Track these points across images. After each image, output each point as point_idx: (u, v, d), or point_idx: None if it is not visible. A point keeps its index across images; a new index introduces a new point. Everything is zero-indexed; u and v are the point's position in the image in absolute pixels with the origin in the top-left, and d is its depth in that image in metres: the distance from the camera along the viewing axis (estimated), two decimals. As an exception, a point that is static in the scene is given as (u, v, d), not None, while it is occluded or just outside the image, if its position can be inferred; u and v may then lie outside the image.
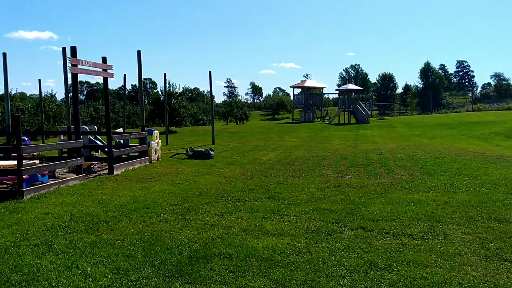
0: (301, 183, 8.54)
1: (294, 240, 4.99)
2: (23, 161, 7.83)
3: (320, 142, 18.60)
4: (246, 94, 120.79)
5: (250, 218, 5.99)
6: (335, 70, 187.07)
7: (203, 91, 77.12)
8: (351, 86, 46.80)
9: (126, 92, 25.69)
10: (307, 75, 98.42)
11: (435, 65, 75.56)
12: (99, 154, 12.97)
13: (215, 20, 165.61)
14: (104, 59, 10.59)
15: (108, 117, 11.09)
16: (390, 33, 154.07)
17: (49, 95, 33.04)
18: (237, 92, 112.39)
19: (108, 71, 10.66)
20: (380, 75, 74.49)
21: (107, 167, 10.53)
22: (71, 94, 10.64)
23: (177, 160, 12.75)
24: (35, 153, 10.08)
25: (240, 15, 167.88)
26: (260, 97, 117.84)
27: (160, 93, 31.90)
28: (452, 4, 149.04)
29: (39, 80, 20.20)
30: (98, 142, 12.71)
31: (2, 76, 13.07)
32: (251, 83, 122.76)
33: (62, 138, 13.22)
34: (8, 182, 8.56)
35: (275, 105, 64.86)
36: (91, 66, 10.02)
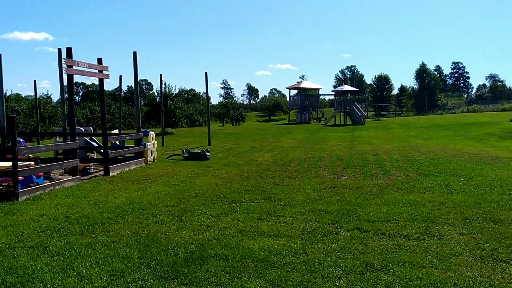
0: (297, 184, 8.55)
1: (290, 241, 4.99)
2: (18, 162, 7.80)
3: (316, 143, 18.62)
4: (242, 95, 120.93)
5: (246, 219, 5.99)
6: (331, 72, 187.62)
7: (199, 92, 77.05)
8: (347, 87, 46.91)
9: (122, 93, 25.64)
10: (303, 76, 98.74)
11: (431, 66, 75.75)
12: (95, 155, 12.93)
13: (212, 21, 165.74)
14: (99, 60, 10.56)
15: (104, 118, 11.06)
16: (386, 35, 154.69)
17: (45, 96, 32.87)
18: (233, 93, 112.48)
19: (104, 72, 10.63)
20: (376, 76, 74.89)
21: (102, 168, 10.50)
22: (66, 95, 10.61)
23: (173, 161, 12.73)
24: (30, 155, 10.04)
25: (236, 16, 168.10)
26: (256, 99, 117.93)
27: (156, 94, 31.93)
28: (448, 5, 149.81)
29: (35, 81, 20.20)
30: (94, 144, 12.68)
31: (-3, 77, 12.97)
32: (247, 84, 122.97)
33: (57, 140, 13.17)
34: (3, 184, 8.52)
35: (271, 107, 64.89)
36: (86, 67, 9.99)
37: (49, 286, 3.86)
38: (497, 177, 8.89)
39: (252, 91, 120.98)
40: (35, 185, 8.26)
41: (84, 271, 4.16)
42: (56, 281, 3.94)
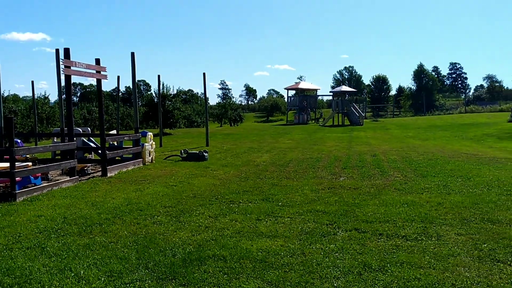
0: (295, 185, 8.55)
1: (288, 242, 4.99)
2: (16, 163, 7.78)
3: (314, 144, 18.63)
4: (240, 96, 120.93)
5: (244, 220, 5.99)
6: (329, 72, 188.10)
7: (197, 93, 77.01)
8: (345, 88, 46.93)
9: (120, 93, 25.63)
10: (301, 77, 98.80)
11: (429, 67, 75.73)
12: (93, 156, 12.91)
13: (210, 22, 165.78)
14: (97, 61, 10.55)
15: (102, 119, 11.04)
16: (384, 35, 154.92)
17: (42, 97, 32.85)
18: (231, 94, 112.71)
19: (102, 72, 10.62)
20: (374, 77, 74.81)
21: (100, 169, 10.48)
22: (64, 96, 10.60)
23: (171, 162, 12.72)
24: (28, 155, 10.01)
25: (234, 17, 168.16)
26: (254, 99, 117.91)
27: (154, 94, 31.87)
28: (446, 6, 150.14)
29: (32, 82, 20.11)
30: (92, 144, 12.66)
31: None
32: (245, 85, 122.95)
33: (55, 140, 13.15)
34: (0, 185, 8.50)
35: (269, 107, 64.90)
36: (84, 68, 9.98)
37: (46, 287, 3.85)
38: (494, 178, 8.91)
39: (250, 91, 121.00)
40: (32, 186, 8.24)
41: (82, 272, 4.15)
42: (54, 282, 3.93)
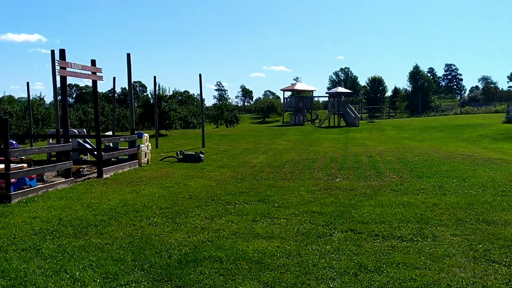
0: (291, 186, 8.55)
1: (284, 243, 5.00)
2: (11, 164, 7.75)
3: (310, 145, 18.65)
4: (237, 97, 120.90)
5: (240, 221, 5.99)
6: (325, 73, 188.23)
7: (193, 94, 77.16)
8: (341, 89, 47.02)
9: (116, 95, 25.55)
10: (297, 78, 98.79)
11: (424, 68, 75.85)
12: (88, 157, 12.87)
13: (206, 23, 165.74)
14: (93, 62, 10.53)
15: (98, 120, 11.01)
16: (380, 37, 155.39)
17: (38, 98, 32.77)
18: (228, 95, 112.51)
19: (97, 74, 10.60)
20: (370, 78, 75.05)
21: (96, 170, 10.45)
22: (60, 97, 10.56)
23: (167, 163, 12.70)
24: (23, 157, 9.97)
25: (231, 18, 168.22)
26: (251, 100, 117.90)
27: (150, 96, 31.89)
28: (442, 7, 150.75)
29: (28, 83, 20.05)
30: (87, 145, 12.62)
31: (-10, 78, 12.90)
32: (241, 86, 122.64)
33: (50, 141, 13.10)
34: (-5, 186, 8.45)
35: (266, 108, 64.95)
36: (80, 69, 9.95)
37: (41, 289, 3.83)
38: (489, 179, 8.94)
39: (246, 93, 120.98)
40: (28, 188, 8.20)
41: (77, 274, 4.13)
42: (49, 284, 3.91)
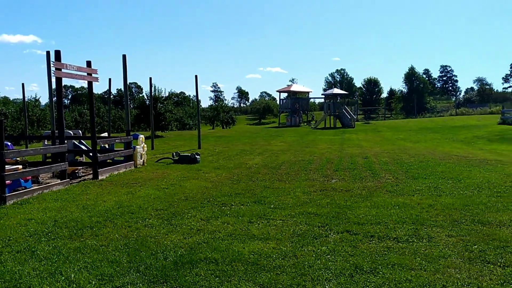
0: (287, 187, 8.56)
1: (280, 244, 5.00)
2: (6, 166, 7.71)
3: (306, 146, 18.66)
4: (233, 98, 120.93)
5: (236, 222, 5.98)
6: (321, 75, 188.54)
7: (189, 95, 77.04)
8: (336, 90, 47.05)
9: (111, 96, 25.50)
10: (293, 79, 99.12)
11: (419, 70, 76.22)
12: (84, 159, 12.84)
13: (203, 24, 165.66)
14: (88, 63, 10.50)
15: (93, 121, 10.99)
16: (375, 38, 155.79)
17: (33, 100, 32.59)
18: (224, 97, 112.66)
19: (93, 75, 10.57)
20: (365, 79, 75.27)
21: (91, 172, 10.42)
22: (55, 98, 10.54)
23: (163, 164, 12.67)
24: (18, 158, 9.93)
25: (227, 20, 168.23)
26: (247, 102, 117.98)
27: (145, 97, 31.82)
28: (436, 9, 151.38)
29: (23, 84, 20.07)
30: (83, 147, 12.59)
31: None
32: (237, 87, 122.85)
33: (46, 143, 13.06)
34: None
35: (262, 110, 64.97)
36: (75, 70, 9.92)
37: (36, 291, 3.81)
38: (485, 180, 8.98)
39: (242, 94, 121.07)
40: (23, 189, 8.17)
41: (73, 275, 4.12)
42: (44, 286, 3.90)
